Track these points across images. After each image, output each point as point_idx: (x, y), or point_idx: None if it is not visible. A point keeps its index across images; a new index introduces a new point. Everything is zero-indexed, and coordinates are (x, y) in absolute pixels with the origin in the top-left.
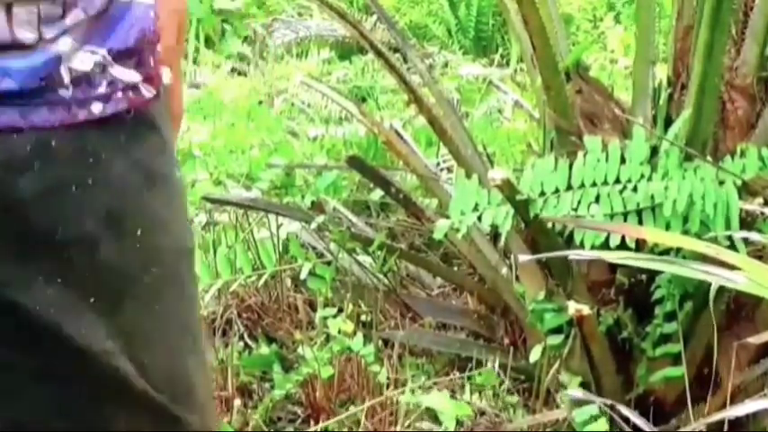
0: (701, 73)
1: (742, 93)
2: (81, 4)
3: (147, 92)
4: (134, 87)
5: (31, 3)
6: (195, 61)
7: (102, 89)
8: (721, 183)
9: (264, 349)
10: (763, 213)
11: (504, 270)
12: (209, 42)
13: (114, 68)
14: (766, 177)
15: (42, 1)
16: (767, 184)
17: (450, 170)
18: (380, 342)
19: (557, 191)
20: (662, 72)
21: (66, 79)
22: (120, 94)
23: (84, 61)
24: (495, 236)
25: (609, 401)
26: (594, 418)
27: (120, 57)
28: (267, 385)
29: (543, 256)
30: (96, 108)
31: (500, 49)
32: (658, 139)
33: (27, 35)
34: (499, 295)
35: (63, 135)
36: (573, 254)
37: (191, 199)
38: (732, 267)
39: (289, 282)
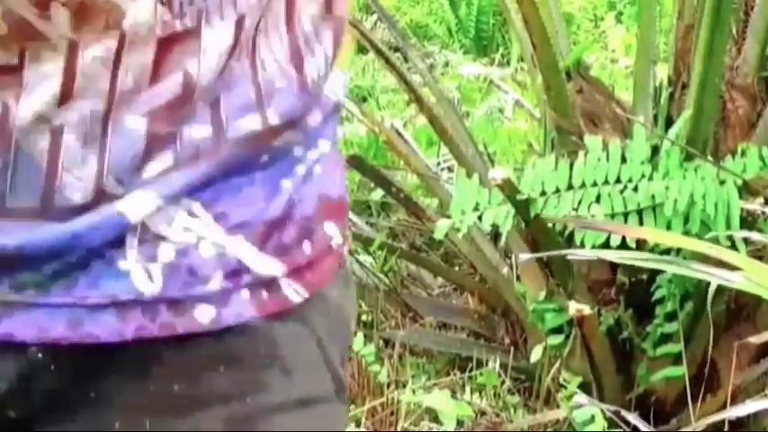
0: (701, 72)
1: (743, 92)
2: (184, 131)
3: (295, 293)
4: (270, 284)
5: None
6: None
7: (213, 283)
8: (722, 182)
9: None
10: (763, 213)
11: (505, 270)
12: None
13: (236, 246)
14: (767, 177)
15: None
16: None
17: (450, 170)
18: (381, 342)
19: (557, 190)
20: (663, 71)
21: (150, 264)
22: (245, 293)
23: (176, 227)
24: (495, 235)
25: (613, 407)
26: (594, 419)
27: (253, 228)
28: None
29: (544, 255)
30: (204, 314)
31: (501, 49)
32: (659, 138)
33: (73, 186)
34: (500, 295)
35: (139, 357)
36: (573, 253)
37: None
38: (732, 267)
39: None
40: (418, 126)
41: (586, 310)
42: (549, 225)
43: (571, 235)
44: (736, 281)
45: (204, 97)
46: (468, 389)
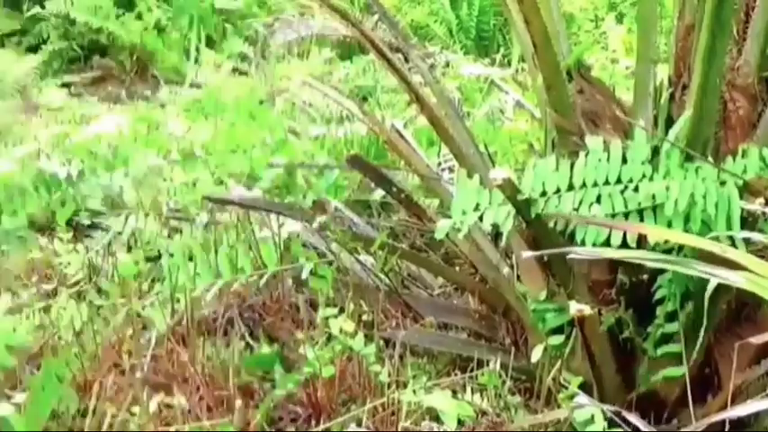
0: (702, 73)
1: (743, 93)
2: None
3: None
4: None
5: None
6: (197, 61)
7: None
8: (722, 183)
9: (266, 349)
10: (764, 213)
11: (506, 270)
12: (210, 42)
13: None
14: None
15: None
16: None
17: (451, 170)
18: (382, 342)
19: (558, 191)
20: (663, 72)
21: None
22: None
23: None
24: (496, 236)
25: (614, 407)
26: (594, 419)
27: None
28: (268, 385)
29: (545, 252)
30: None
31: (501, 49)
32: (659, 139)
33: None
34: (500, 295)
35: None
36: (575, 251)
37: (193, 198)
38: (736, 265)
39: (290, 281)
40: (419, 126)
41: (587, 310)
42: (550, 225)
43: (572, 235)
44: (738, 281)
45: None
46: (468, 389)
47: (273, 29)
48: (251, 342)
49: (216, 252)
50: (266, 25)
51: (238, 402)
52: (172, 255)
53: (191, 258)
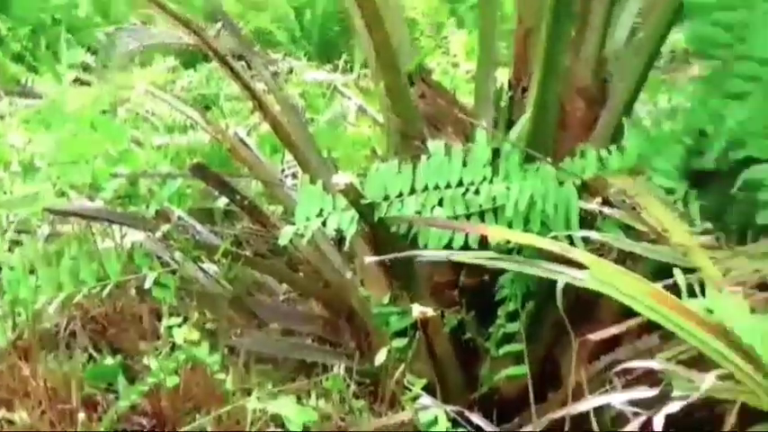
0: (541, 76)
1: (581, 95)
2: None
3: None
4: None
5: None
6: (36, 71)
7: None
8: (561, 183)
9: (109, 360)
10: (602, 212)
11: (349, 274)
12: (50, 51)
13: None
14: (605, 177)
15: None
16: (606, 183)
17: (295, 176)
18: (226, 350)
19: (401, 194)
20: (504, 75)
21: None
22: None
23: None
24: (339, 241)
25: (456, 408)
26: (438, 420)
27: None
28: (112, 397)
29: (388, 257)
30: None
31: (344, 55)
32: (500, 141)
33: None
34: (344, 300)
35: None
36: (419, 254)
37: (34, 210)
38: (576, 264)
39: (133, 292)
40: (262, 133)
41: (430, 312)
42: (393, 229)
43: (415, 239)
44: (583, 279)
45: None
46: (313, 394)
47: (116, 38)
48: (94, 354)
49: (58, 264)
50: (108, 35)
51: (81, 416)
52: (12, 268)
53: (32, 271)
